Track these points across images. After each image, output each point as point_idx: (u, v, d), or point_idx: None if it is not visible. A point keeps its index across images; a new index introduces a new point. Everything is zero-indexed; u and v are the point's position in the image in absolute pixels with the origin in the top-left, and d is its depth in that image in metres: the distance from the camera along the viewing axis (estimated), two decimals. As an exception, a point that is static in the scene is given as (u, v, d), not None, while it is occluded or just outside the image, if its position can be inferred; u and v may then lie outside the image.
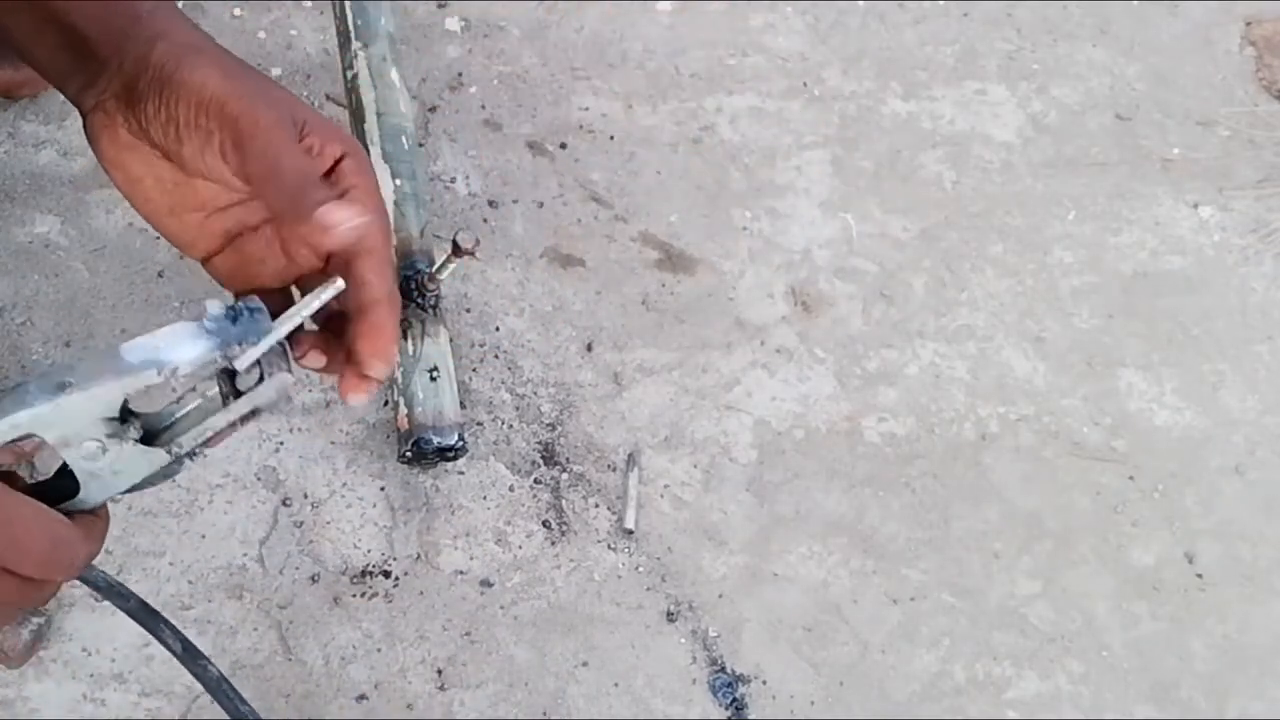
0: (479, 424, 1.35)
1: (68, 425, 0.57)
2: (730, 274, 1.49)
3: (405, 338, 1.24)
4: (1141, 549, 1.37)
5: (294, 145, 0.60)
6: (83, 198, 1.40)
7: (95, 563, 0.63)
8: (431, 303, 1.24)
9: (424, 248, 1.29)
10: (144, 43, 0.61)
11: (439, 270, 1.23)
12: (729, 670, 1.25)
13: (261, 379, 0.60)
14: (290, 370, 0.61)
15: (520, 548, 1.29)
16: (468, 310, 1.42)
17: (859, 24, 1.73)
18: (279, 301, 0.63)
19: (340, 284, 0.60)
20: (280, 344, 0.60)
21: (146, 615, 0.69)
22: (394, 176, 1.31)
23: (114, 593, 0.68)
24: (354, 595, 1.24)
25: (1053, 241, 1.58)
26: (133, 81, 0.61)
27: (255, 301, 0.60)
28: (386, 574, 1.25)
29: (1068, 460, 1.42)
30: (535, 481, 1.33)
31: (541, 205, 1.51)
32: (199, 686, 1.17)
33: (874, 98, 1.67)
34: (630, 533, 1.31)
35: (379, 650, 1.22)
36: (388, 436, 1.32)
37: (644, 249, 1.50)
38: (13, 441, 0.55)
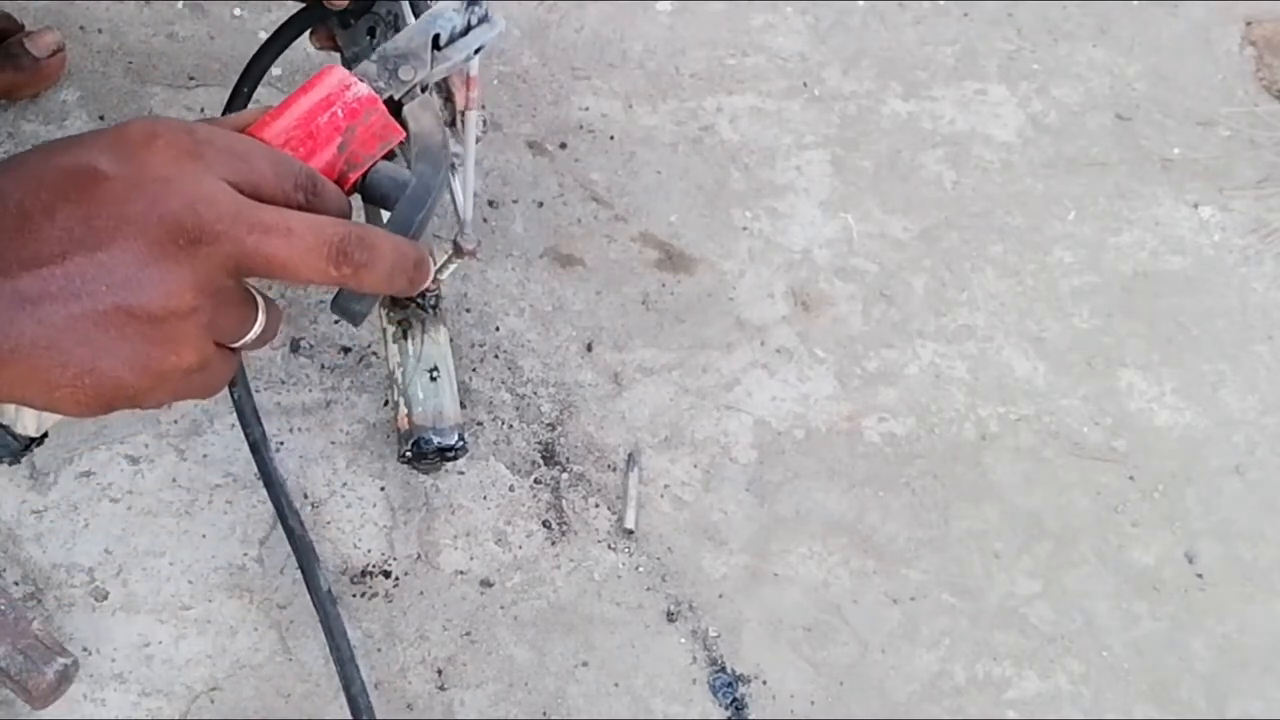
0: (479, 424, 1.35)
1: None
2: (730, 274, 1.49)
3: (405, 338, 1.24)
4: (1141, 549, 1.37)
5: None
6: (83, 198, 1.40)
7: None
8: (431, 303, 1.24)
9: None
10: None
11: (439, 270, 1.23)
12: (729, 670, 1.25)
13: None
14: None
15: (520, 548, 1.29)
16: (468, 310, 1.42)
17: (859, 24, 1.73)
18: None
19: None
20: None
21: None
22: (394, 176, 1.31)
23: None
24: (354, 595, 1.24)
25: (1053, 241, 1.58)
26: None
27: None
28: (386, 574, 1.26)
29: (1068, 460, 1.42)
30: (535, 481, 1.33)
31: (541, 205, 1.51)
32: (199, 686, 1.17)
33: (874, 98, 1.67)
34: (630, 533, 1.31)
35: (379, 650, 1.22)
36: (388, 436, 1.32)
37: (644, 249, 1.50)
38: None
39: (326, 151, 0.56)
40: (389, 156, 0.59)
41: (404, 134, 0.60)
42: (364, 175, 0.58)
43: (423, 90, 0.63)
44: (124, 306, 0.46)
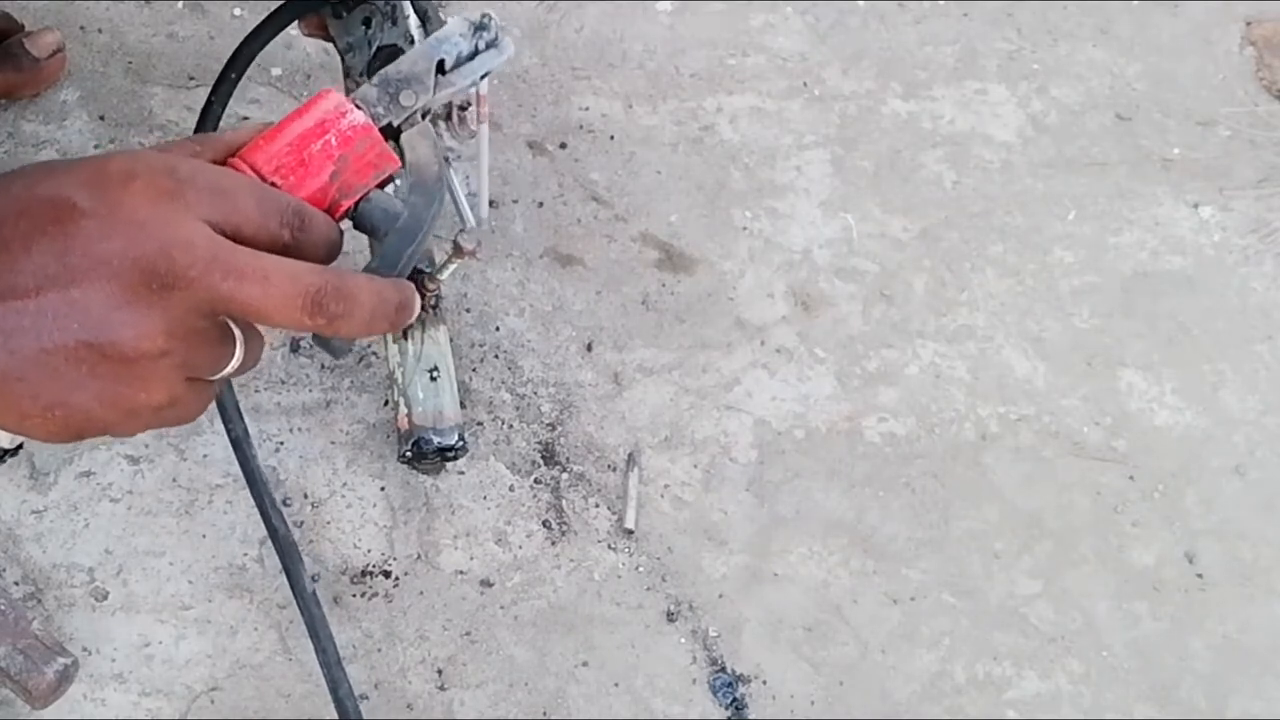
0: (479, 424, 1.35)
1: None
2: (730, 274, 1.49)
3: (405, 338, 1.24)
4: (1141, 549, 1.37)
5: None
6: (83, 198, 1.40)
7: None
8: (431, 303, 1.24)
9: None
10: None
11: (439, 270, 1.22)
12: (729, 670, 1.25)
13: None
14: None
15: (520, 548, 1.29)
16: (468, 310, 1.42)
17: (859, 24, 1.73)
18: None
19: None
20: None
21: None
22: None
23: None
24: (354, 595, 1.24)
25: (1053, 241, 1.58)
26: None
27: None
28: (386, 574, 1.26)
29: (1068, 460, 1.42)
30: (535, 481, 1.33)
31: (541, 205, 1.51)
32: (199, 686, 1.17)
33: (874, 98, 1.67)
34: (630, 533, 1.31)
35: (379, 650, 1.22)
36: (388, 436, 1.32)
37: (644, 249, 1.50)
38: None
39: (318, 179, 0.56)
40: (384, 184, 0.59)
41: (399, 164, 0.59)
42: (356, 204, 0.57)
43: (423, 116, 0.63)
44: (95, 345, 0.47)
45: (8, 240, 0.47)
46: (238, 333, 0.52)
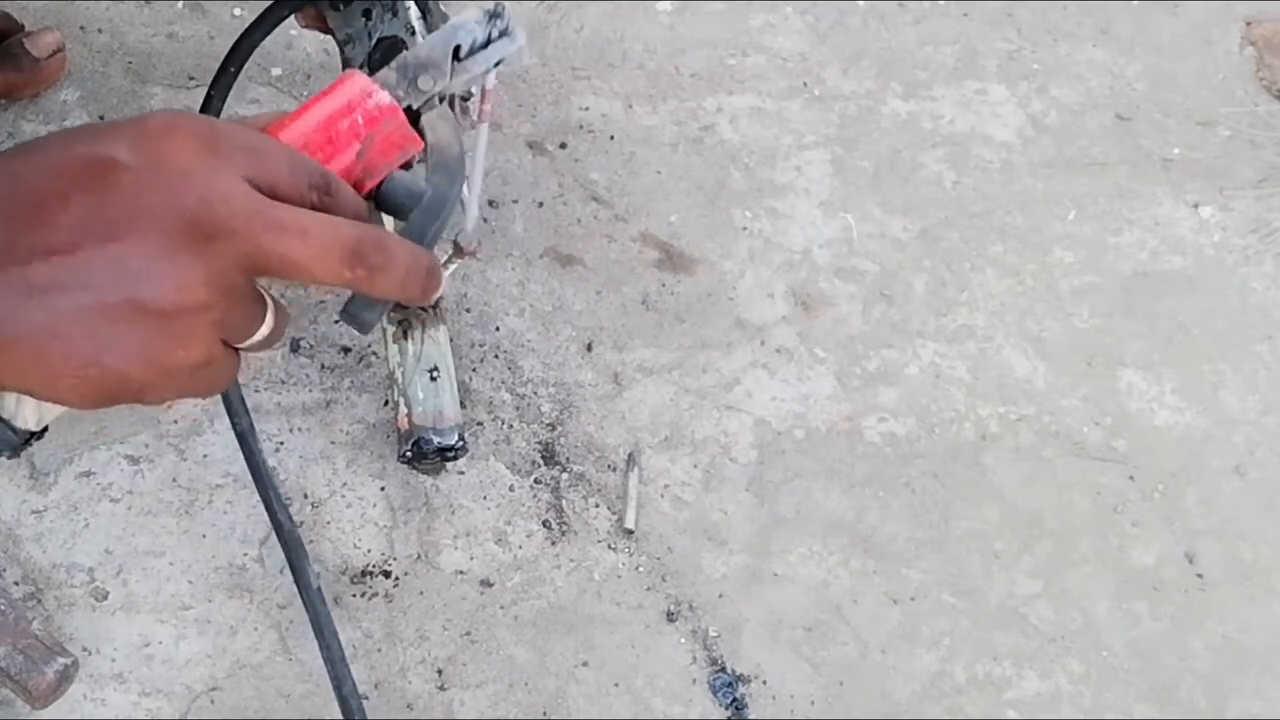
0: (479, 424, 1.35)
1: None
2: (730, 274, 1.49)
3: (405, 338, 1.24)
4: (1141, 549, 1.37)
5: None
6: (83, 198, 1.40)
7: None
8: (432, 303, 1.24)
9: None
10: None
11: (439, 270, 1.23)
12: (729, 670, 1.25)
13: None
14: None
15: (520, 548, 1.29)
16: (468, 310, 1.42)
17: (859, 24, 1.73)
18: None
19: None
20: None
21: None
22: (394, 176, 1.31)
23: None
24: (354, 595, 1.24)
25: (1053, 241, 1.58)
26: None
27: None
28: (386, 574, 1.26)
29: (1068, 460, 1.42)
30: (535, 481, 1.33)
31: (541, 205, 1.51)
32: (199, 686, 1.17)
33: (874, 98, 1.67)
34: (630, 533, 1.31)
35: (379, 650, 1.22)
36: (388, 436, 1.32)
37: (644, 249, 1.50)
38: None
39: (344, 157, 0.57)
40: (405, 166, 0.59)
41: (422, 144, 0.60)
42: (380, 184, 0.58)
43: (440, 101, 0.64)
44: (134, 300, 0.46)
45: (44, 198, 0.46)
46: (269, 300, 0.52)
